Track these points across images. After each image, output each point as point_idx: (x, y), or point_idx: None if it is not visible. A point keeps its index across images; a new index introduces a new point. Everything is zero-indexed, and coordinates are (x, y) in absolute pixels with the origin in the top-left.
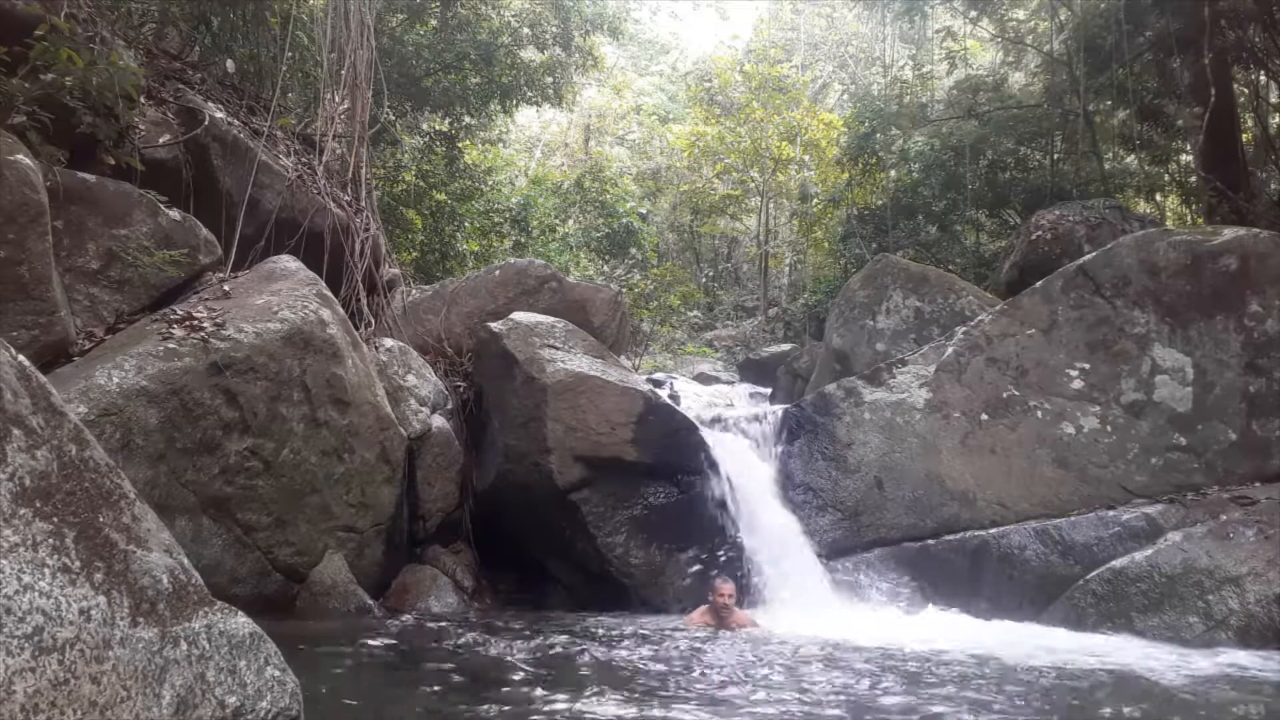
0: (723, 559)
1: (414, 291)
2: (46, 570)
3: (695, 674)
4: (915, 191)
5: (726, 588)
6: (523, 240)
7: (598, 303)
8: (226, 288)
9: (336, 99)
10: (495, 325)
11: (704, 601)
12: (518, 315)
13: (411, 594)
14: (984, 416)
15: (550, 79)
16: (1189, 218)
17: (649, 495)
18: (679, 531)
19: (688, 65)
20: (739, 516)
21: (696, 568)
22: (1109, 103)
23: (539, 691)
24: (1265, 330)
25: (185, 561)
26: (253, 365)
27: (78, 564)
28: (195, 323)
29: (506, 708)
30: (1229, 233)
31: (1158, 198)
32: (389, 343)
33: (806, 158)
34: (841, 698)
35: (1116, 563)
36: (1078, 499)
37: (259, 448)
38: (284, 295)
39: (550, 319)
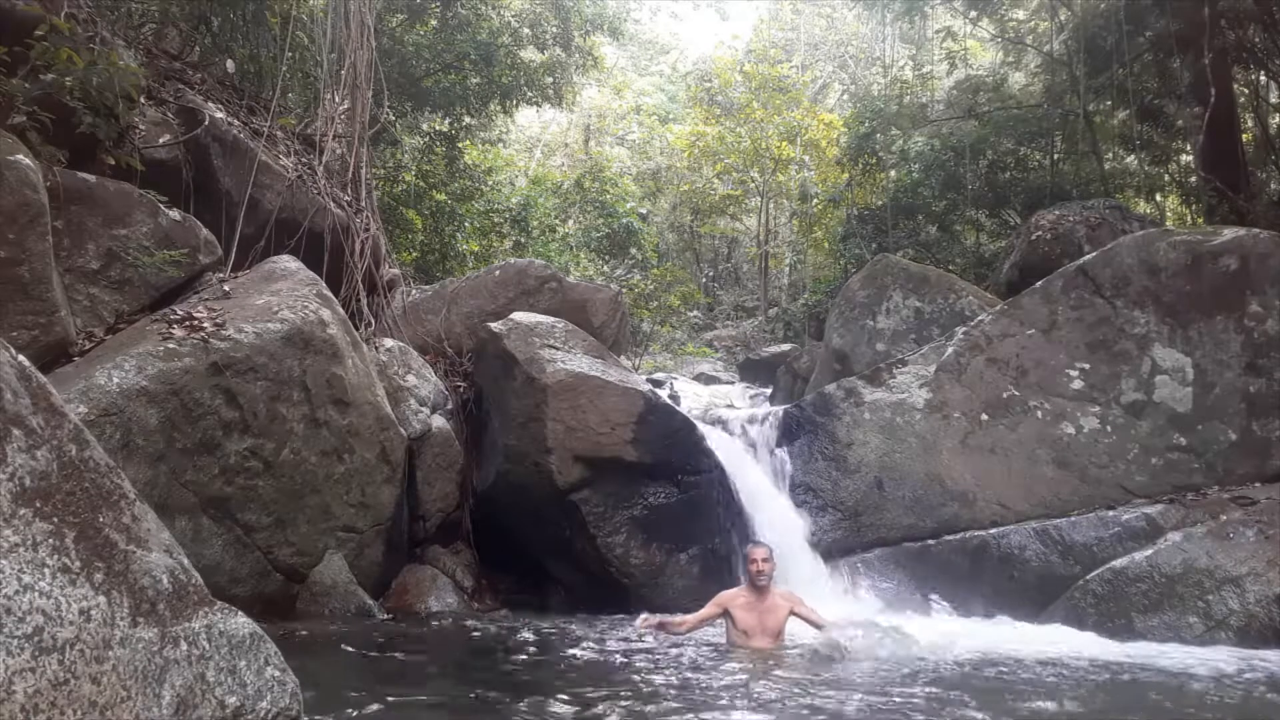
0: (722, 559)
1: (414, 291)
2: (46, 570)
3: (694, 674)
4: (915, 191)
5: (759, 551)
6: (523, 240)
7: (598, 303)
8: (226, 288)
9: (336, 99)
10: (495, 325)
11: (706, 600)
12: (518, 315)
13: (411, 594)
14: (984, 416)
15: (550, 79)
16: (1189, 218)
17: (649, 495)
18: (679, 531)
19: (688, 65)
20: (739, 517)
21: (696, 568)
22: (1109, 103)
23: (539, 692)
24: (1265, 330)
25: (185, 561)
26: (253, 365)
27: (78, 564)
28: (195, 323)
29: (507, 708)
30: (1229, 233)
31: (1158, 198)
32: (389, 343)
33: (806, 158)
34: (841, 698)
35: (1116, 563)
36: (1078, 499)
37: (259, 448)
38: (284, 295)
39: (550, 319)
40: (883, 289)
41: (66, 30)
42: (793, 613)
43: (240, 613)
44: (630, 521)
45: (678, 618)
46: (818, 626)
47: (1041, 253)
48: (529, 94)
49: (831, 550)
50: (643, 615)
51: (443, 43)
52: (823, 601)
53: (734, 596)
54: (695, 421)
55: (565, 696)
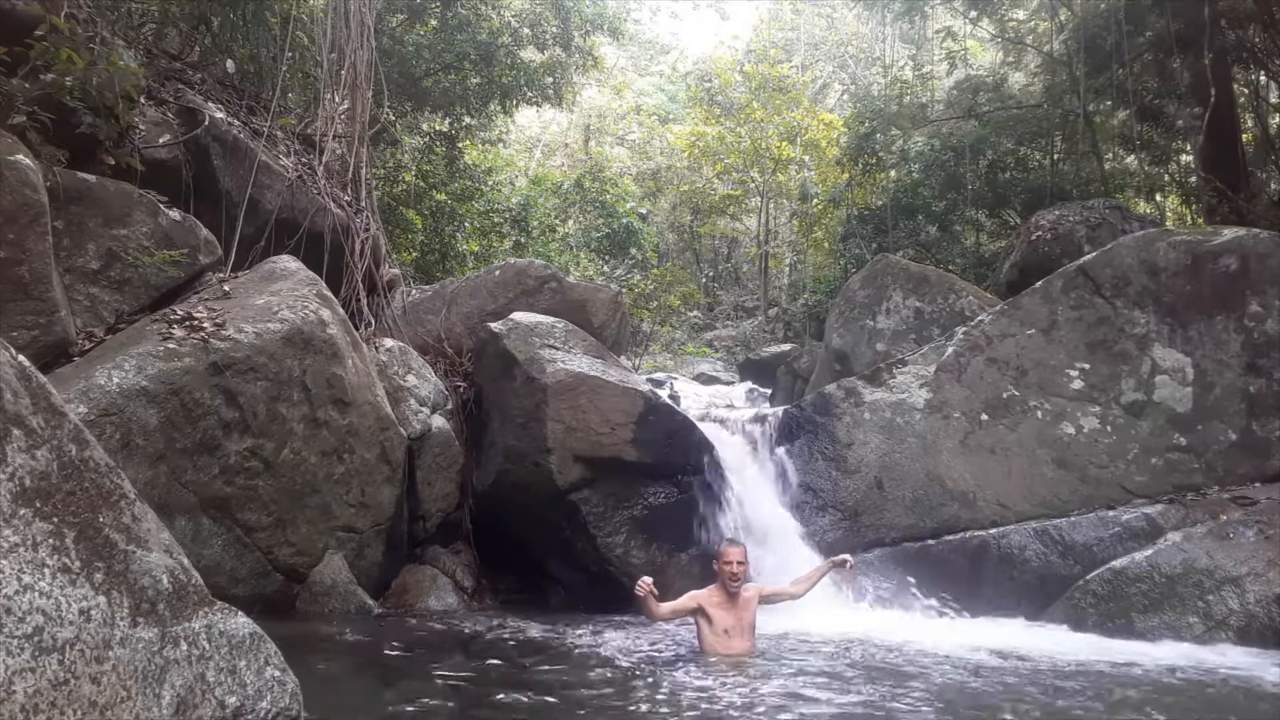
0: None
1: (414, 291)
2: (46, 570)
3: (692, 675)
4: (915, 191)
5: (735, 552)
6: (523, 240)
7: (598, 303)
8: (226, 288)
9: (336, 99)
10: (495, 325)
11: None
12: (518, 315)
13: (411, 594)
14: (984, 416)
15: (550, 79)
16: (1189, 218)
17: (649, 495)
18: (679, 531)
19: (688, 65)
20: (739, 517)
21: (697, 568)
22: (1109, 103)
23: (539, 693)
24: (1265, 330)
25: (185, 561)
26: (253, 365)
27: (78, 564)
28: (195, 323)
29: (506, 709)
30: (1229, 233)
31: (1158, 198)
32: (389, 343)
33: (806, 158)
34: (840, 699)
35: (1116, 563)
36: (1078, 499)
37: (259, 448)
38: (284, 295)
39: (550, 319)
40: (883, 289)
41: (66, 30)
42: (765, 599)
43: (240, 613)
44: (630, 521)
45: (654, 604)
46: (793, 595)
47: (1041, 253)
48: (529, 94)
49: (831, 550)
50: (646, 578)
51: (443, 43)
52: (822, 601)
53: (707, 596)
54: (695, 421)
55: (565, 697)
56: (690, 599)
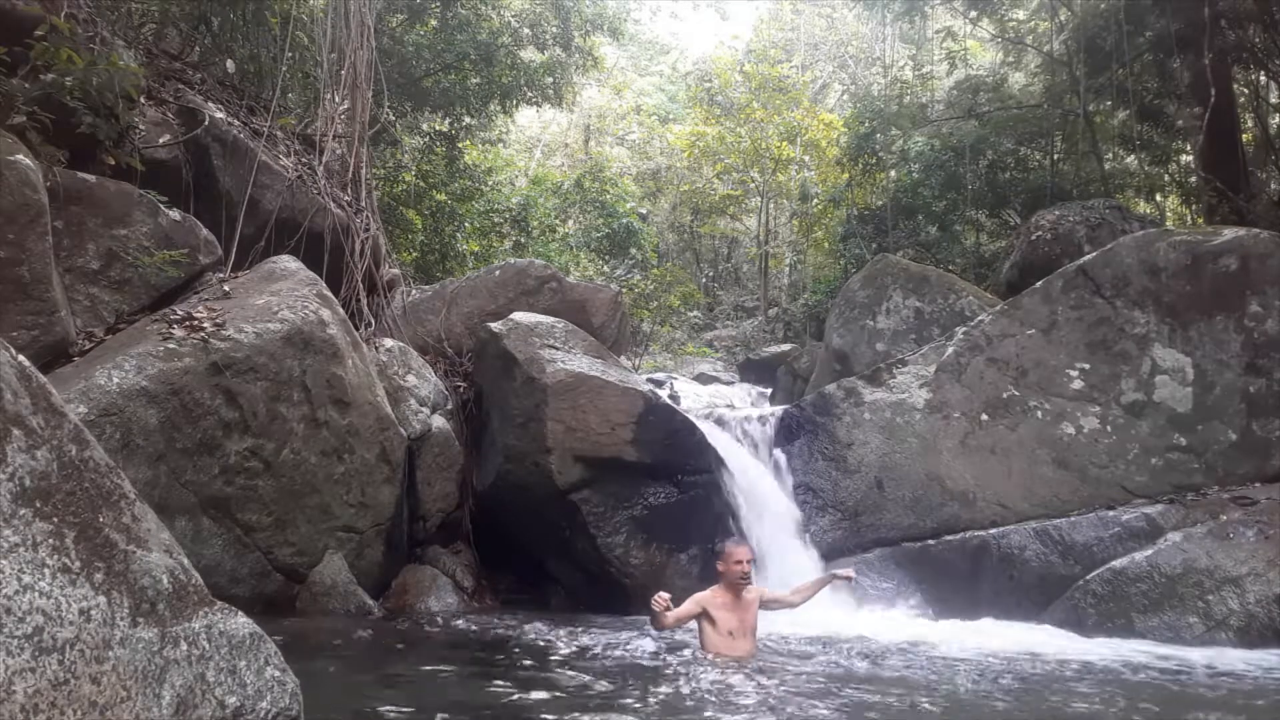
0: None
1: (414, 291)
2: (46, 570)
3: (696, 677)
4: (915, 191)
5: (743, 551)
6: (523, 240)
7: (598, 303)
8: (226, 288)
9: (336, 99)
10: (495, 325)
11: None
12: (518, 315)
13: (411, 594)
14: (984, 417)
15: (550, 79)
16: (1189, 218)
17: (649, 495)
18: (679, 531)
19: (688, 65)
20: (739, 517)
21: (696, 568)
22: (1109, 103)
23: (539, 693)
24: (1265, 330)
25: (185, 561)
26: (253, 365)
27: (78, 564)
28: (195, 323)
29: (506, 709)
30: (1229, 233)
31: (1158, 198)
32: (389, 343)
33: (806, 158)
34: (841, 699)
35: (1116, 563)
36: (1078, 499)
37: (259, 448)
38: (284, 295)
39: (550, 319)
40: (883, 289)
41: (66, 30)
42: (764, 604)
43: (240, 613)
44: (630, 521)
45: (665, 616)
46: (791, 604)
47: (1041, 253)
48: (529, 94)
49: (831, 550)
50: (664, 594)
51: (443, 43)
52: (822, 602)
53: (711, 598)
54: (695, 421)
55: (565, 697)
56: (694, 603)
